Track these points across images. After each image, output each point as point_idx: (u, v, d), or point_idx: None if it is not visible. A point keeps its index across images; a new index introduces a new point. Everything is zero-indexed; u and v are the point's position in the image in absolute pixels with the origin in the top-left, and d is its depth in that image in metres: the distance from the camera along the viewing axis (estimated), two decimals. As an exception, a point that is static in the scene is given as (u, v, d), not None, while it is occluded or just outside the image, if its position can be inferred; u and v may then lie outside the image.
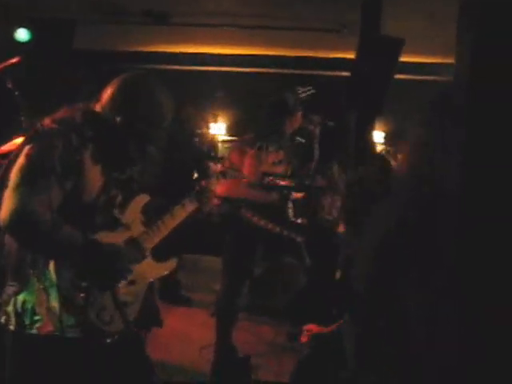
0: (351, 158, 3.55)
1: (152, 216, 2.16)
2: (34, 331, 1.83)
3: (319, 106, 3.83)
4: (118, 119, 1.94)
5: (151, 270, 2.13)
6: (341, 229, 3.70)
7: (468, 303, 1.31)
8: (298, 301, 4.66)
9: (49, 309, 1.82)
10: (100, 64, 6.03)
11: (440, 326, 1.42)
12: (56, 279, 1.81)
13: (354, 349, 1.96)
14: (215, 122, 7.19)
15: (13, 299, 1.86)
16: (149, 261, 2.11)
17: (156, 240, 2.14)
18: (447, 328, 1.36)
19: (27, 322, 1.83)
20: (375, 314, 1.85)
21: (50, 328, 1.82)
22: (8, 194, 1.75)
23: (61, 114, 1.94)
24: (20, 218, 1.72)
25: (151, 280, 2.16)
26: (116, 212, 2.03)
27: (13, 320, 1.85)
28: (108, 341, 1.92)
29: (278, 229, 3.65)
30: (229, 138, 7.26)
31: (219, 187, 3.69)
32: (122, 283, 1.97)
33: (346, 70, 4.51)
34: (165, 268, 2.20)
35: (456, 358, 1.34)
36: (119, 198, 2.04)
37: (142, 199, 2.14)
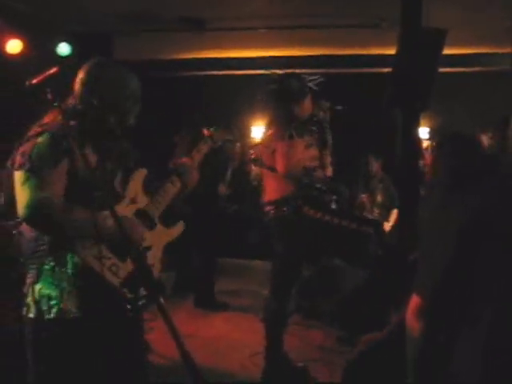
0: (399, 156, 3.42)
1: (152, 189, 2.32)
2: (52, 316, 1.94)
3: (325, 92, 3.70)
4: (95, 101, 2.08)
5: (163, 234, 2.33)
6: (386, 227, 3.60)
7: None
8: (347, 303, 4.57)
9: (65, 292, 1.95)
10: (140, 74, 6.08)
11: None
12: (76, 260, 1.95)
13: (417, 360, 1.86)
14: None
15: (31, 289, 1.99)
16: (159, 227, 2.30)
17: (162, 207, 2.31)
18: None
19: (44, 307, 1.95)
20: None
21: (65, 309, 1.94)
22: (18, 191, 1.94)
23: (43, 121, 2.10)
24: (34, 208, 1.89)
25: (165, 244, 2.34)
26: (117, 186, 2.20)
27: (32, 308, 1.98)
28: (140, 303, 2.06)
29: (345, 223, 3.57)
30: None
31: (265, 194, 3.64)
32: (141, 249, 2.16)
33: (386, 66, 4.41)
34: (175, 231, 2.38)
35: None
36: (119, 175, 2.23)
37: (141, 173, 2.30)
